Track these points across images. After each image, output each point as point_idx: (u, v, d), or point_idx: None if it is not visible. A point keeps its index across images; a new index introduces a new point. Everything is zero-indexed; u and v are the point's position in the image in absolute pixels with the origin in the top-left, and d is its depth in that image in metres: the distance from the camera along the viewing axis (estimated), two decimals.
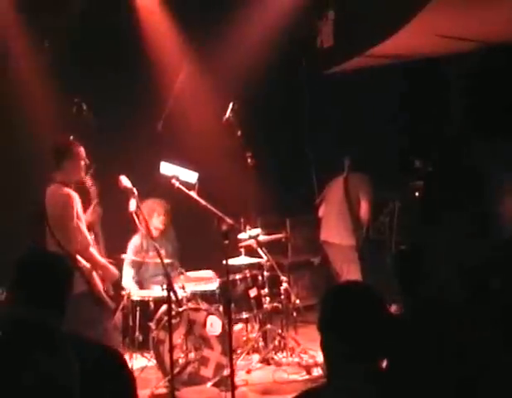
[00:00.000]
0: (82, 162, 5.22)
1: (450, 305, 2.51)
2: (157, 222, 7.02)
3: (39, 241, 5.30)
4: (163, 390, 5.98)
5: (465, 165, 7.16)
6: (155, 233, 6.81)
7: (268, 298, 6.76)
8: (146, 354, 6.33)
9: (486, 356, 2.24)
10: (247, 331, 6.73)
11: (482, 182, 6.85)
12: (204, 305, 6.40)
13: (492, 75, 6.84)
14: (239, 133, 6.64)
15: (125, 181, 5.41)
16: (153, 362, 6.17)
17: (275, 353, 6.70)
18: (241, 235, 6.83)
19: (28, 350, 1.78)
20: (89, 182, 5.31)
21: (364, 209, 7.54)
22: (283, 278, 6.85)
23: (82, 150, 5.25)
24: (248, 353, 6.58)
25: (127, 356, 6.12)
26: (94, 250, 5.21)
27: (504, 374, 2.23)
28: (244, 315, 6.60)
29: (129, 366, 2.63)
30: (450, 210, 6.91)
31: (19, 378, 1.77)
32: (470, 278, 2.40)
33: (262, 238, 6.94)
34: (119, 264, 6.55)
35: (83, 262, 5.10)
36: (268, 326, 6.81)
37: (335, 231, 7.63)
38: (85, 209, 5.34)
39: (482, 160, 6.88)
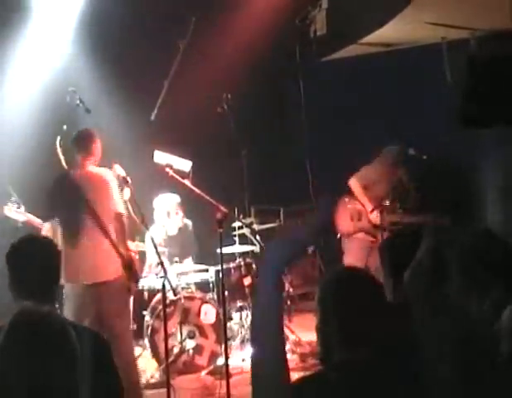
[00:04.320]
0: None
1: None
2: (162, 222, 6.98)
3: None
4: (158, 379, 5.99)
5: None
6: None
7: None
8: (140, 343, 6.34)
9: None
10: (241, 319, 6.74)
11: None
12: (198, 294, 6.42)
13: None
14: (233, 122, 6.63)
15: (119, 169, 5.40)
16: (148, 351, 6.19)
17: None
18: (235, 224, 6.85)
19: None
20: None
21: None
22: None
23: None
24: (242, 341, 6.59)
25: None
26: None
27: None
28: (239, 303, 6.61)
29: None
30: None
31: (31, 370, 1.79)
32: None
33: (255, 227, 6.94)
34: None
35: None
36: None
37: None
38: None
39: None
